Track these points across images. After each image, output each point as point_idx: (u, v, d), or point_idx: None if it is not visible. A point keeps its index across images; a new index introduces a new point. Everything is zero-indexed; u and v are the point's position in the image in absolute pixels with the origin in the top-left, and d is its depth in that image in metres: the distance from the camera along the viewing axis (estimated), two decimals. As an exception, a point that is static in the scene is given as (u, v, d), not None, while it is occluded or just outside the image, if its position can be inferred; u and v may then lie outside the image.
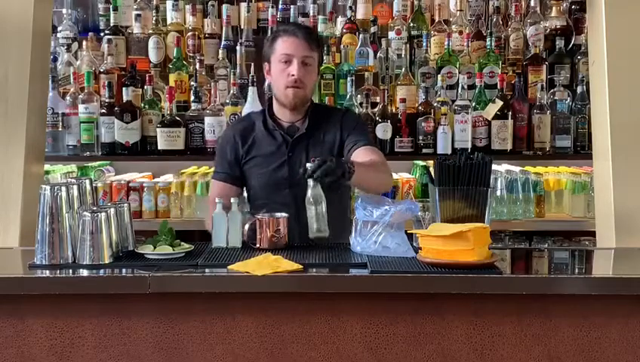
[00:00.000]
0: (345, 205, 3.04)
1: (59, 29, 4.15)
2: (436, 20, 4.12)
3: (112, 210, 2.41)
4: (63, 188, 2.36)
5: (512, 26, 4.10)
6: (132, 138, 3.83)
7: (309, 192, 2.54)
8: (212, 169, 3.92)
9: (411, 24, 4.13)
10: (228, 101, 3.89)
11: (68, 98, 3.93)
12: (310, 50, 2.83)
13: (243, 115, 3.77)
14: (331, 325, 2.25)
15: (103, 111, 3.86)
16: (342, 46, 4.05)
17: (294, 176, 2.81)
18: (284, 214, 2.60)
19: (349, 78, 3.89)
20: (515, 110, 3.90)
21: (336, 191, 2.68)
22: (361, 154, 2.80)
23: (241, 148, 2.94)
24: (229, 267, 2.29)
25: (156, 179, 4.04)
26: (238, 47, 3.97)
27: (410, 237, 2.49)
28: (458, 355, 2.25)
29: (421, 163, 3.98)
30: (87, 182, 2.53)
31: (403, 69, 3.98)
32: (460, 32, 4.12)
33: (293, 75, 2.80)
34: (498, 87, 3.94)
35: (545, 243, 3.77)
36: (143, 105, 3.90)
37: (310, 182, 2.53)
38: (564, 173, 3.93)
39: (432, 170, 2.55)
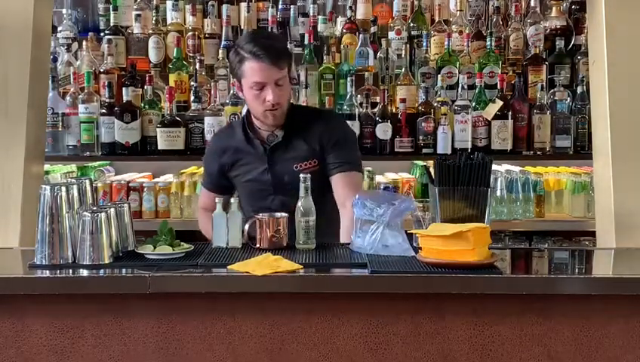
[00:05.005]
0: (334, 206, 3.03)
1: (59, 29, 4.15)
2: (436, 20, 4.12)
3: (112, 210, 2.41)
4: (63, 188, 2.36)
5: (512, 26, 4.10)
6: (132, 138, 3.83)
7: (300, 203, 2.56)
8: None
9: (411, 24, 4.13)
10: (228, 101, 3.89)
11: (68, 98, 3.93)
12: (280, 70, 2.73)
13: (243, 115, 3.78)
14: (331, 325, 2.25)
15: (103, 111, 3.86)
16: (342, 46, 4.05)
17: (277, 182, 2.83)
18: (284, 214, 2.60)
19: (349, 78, 3.89)
20: (515, 110, 3.90)
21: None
22: (340, 183, 2.82)
23: (224, 159, 2.94)
24: (229, 267, 2.29)
25: (156, 179, 4.04)
26: (238, 47, 3.97)
27: (410, 237, 2.49)
28: (458, 355, 2.25)
29: (421, 163, 3.98)
30: (87, 182, 2.53)
31: (403, 69, 3.98)
32: (460, 32, 4.12)
33: (269, 101, 2.74)
34: (498, 87, 3.94)
35: (545, 243, 3.77)
36: (143, 105, 3.90)
37: (302, 192, 2.56)
38: (564, 173, 3.93)
39: (432, 170, 2.55)
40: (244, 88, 2.80)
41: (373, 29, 4.11)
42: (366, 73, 3.94)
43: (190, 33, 4.10)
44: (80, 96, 3.89)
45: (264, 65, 2.70)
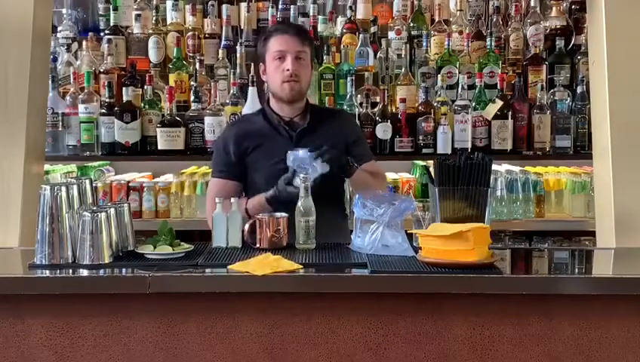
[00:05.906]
0: (341, 204, 3.08)
1: (59, 29, 4.15)
2: (436, 20, 4.12)
3: (112, 210, 2.41)
4: (63, 188, 2.36)
5: (512, 26, 4.11)
6: (132, 138, 3.83)
7: (300, 203, 2.56)
8: (212, 169, 3.94)
9: (411, 24, 4.13)
10: (228, 101, 3.89)
11: (68, 98, 3.93)
12: (302, 45, 2.89)
13: (243, 114, 3.78)
14: (331, 325, 2.25)
15: (103, 111, 3.86)
16: (342, 46, 4.05)
17: None
18: (283, 214, 2.60)
19: (349, 78, 3.89)
20: (515, 110, 3.90)
21: (343, 174, 2.83)
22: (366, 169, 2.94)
23: (244, 144, 2.94)
24: (229, 267, 2.30)
25: (156, 179, 4.04)
26: (238, 47, 3.97)
27: (410, 237, 2.49)
28: (458, 355, 2.25)
29: (421, 163, 3.97)
30: (87, 182, 2.53)
31: (403, 69, 3.97)
32: (460, 32, 4.12)
33: (288, 70, 2.85)
34: (498, 87, 3.94)
35: (545, 243, 3.77)
36: (143, 105, 3.90)
37: (302, 192, 2.55)
38: (564, 173, 3.93)
39: (432, 170, 2.55)
40: (267, 63, 2.92)
41: (373, 29, 4.11)
42: (366, 73, 3.94)
43: (190, 33, 4.10)
44: (80, 96, 3.89)
45: (287, 35, 2.90)
